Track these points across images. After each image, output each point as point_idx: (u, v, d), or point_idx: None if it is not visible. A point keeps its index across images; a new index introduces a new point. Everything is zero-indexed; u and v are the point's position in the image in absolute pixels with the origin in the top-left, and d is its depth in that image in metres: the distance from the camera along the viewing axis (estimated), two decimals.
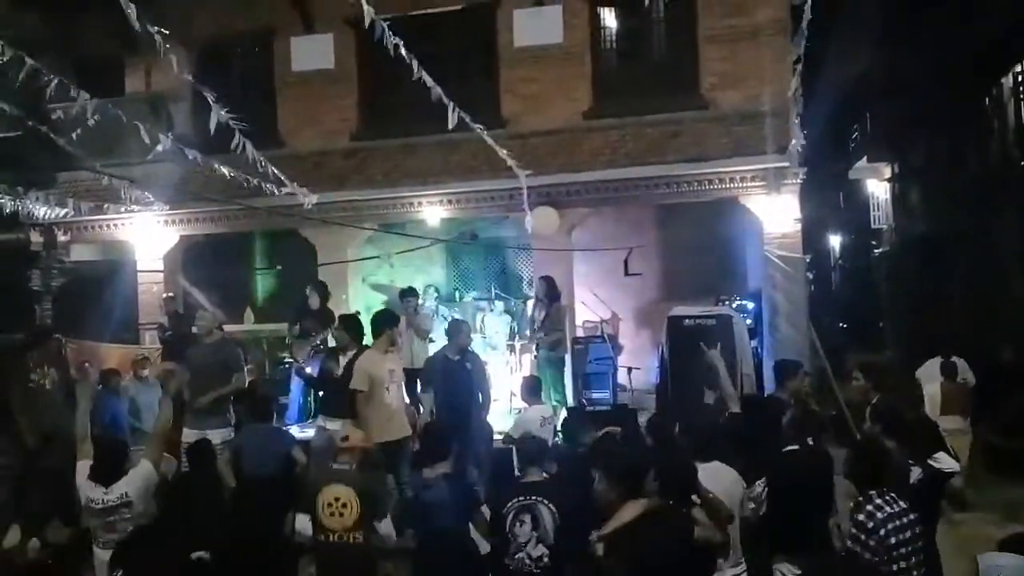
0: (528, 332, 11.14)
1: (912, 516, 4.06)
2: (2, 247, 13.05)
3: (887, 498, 4.08)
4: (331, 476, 5.14)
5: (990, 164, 15.96)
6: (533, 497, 4.82)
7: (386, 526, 5.17)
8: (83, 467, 5.38)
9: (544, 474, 5.25)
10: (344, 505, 4.95)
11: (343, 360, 7.72)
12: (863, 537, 3.99)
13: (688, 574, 4.00)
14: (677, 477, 4.33)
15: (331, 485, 5.04)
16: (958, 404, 9.39)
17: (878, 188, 23.42)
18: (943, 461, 5.24)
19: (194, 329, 8.02)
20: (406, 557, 5.31)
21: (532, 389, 8.02)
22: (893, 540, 3.95)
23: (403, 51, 6.63)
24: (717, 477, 4.69)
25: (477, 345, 11.33)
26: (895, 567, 3.95)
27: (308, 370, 9.23)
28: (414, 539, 5.33)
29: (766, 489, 4.74)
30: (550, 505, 4.78)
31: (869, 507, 4.03)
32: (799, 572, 4.40)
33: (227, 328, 11.42)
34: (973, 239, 15.58)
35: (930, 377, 9.71)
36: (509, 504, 4.81)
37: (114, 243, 13.69)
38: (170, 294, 12.24)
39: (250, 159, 8.56)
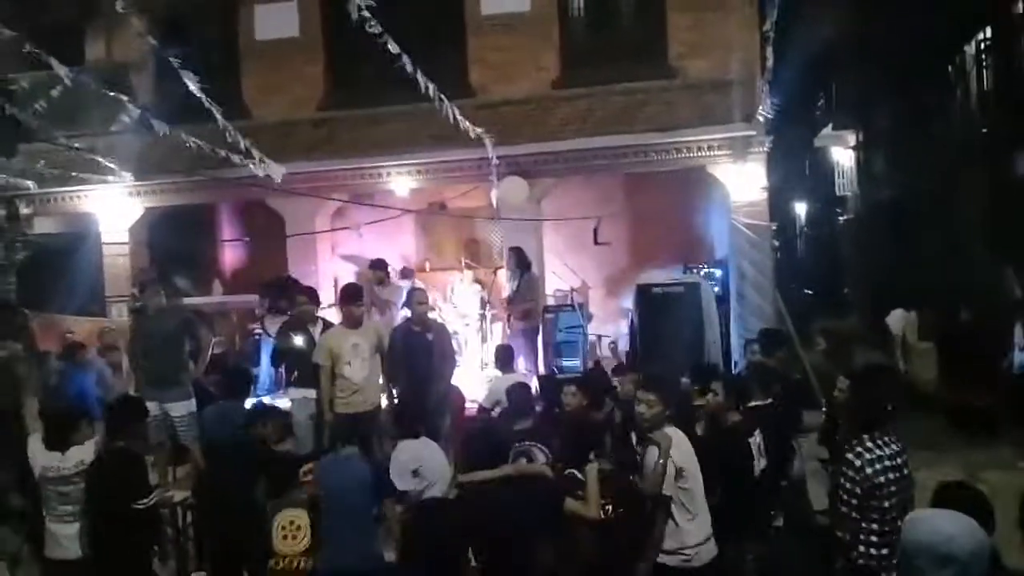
0: (498, 302, 11.17)
1: (900, 459, 4.33)
2: None
3: (878, 442, 4.31)
4: (287, 502, 5.30)
5: (953, 130, 16.18)
6: (527, 442, 5.21)
7: None
8: (35, 439, 5.38)
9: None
10: (298, 528, 5.10)
11: (314, 332, 7.73)
12: (850, 473, 4.27)
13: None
14: None
15: (287, 510, 5.22)
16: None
17: (843, 156, 23.66)
18: None
19: (139, 304, 8.15)
20: None
21: (505, 358, 8.09)
22: (881, 480, 4.22)
23: (369, 18, 6.58)
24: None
25: (448, 314, 11.41)
26: (883, 503, 4.21)
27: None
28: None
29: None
30: (543, 448, 5.21)
31: (859, 448, 4.30)
32: None
33: (195, 300, 11.43)
34: (936, 205, 15.82)
35: (898, 317, 12.55)
36: (511, 452, 5.10)
37: (78, 215, 13.47)
38: (144, 267, 12.16)
39: (220, 128, 8.50)
